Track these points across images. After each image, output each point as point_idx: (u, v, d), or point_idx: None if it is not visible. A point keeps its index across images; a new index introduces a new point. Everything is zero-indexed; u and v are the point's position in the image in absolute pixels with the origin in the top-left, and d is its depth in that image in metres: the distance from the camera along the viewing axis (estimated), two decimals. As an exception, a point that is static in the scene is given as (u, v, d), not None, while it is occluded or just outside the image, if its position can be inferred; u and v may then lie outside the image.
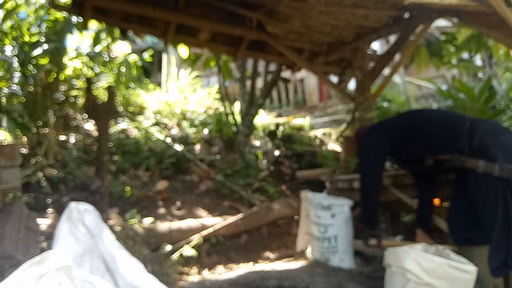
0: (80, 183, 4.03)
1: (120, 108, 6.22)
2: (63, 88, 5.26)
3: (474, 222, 2.28)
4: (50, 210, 3.48)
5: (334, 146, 6.33)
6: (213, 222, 3.77)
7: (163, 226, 3.57)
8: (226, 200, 4.50)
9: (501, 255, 2.11)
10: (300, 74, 8.62)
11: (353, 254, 3.18)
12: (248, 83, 5.81)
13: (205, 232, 3.61)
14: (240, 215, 3.93)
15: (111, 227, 2.71)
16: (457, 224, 2.44)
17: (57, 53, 4.60)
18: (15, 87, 4.51)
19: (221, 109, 6.39)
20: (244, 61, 5.89)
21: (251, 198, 4.57)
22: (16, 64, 4.35)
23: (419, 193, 2.92)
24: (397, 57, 4.58)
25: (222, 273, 3.32)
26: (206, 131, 6.08)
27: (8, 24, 4.53)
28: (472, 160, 2.24)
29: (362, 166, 2.83)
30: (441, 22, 5.40)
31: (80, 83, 5.34)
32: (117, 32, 4.72)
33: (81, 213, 2.03)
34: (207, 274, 3.32)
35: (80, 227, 1.99)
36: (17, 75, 4.47)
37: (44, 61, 4.64)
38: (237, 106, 6.12)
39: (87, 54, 5.27)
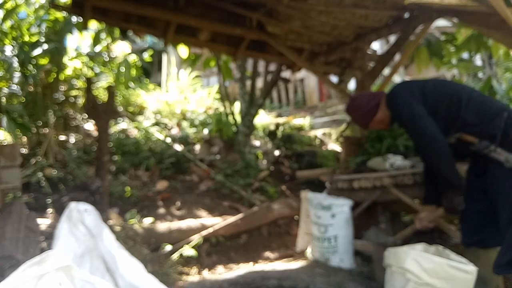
0: (80, 183, 4.03)
1: (120, 108, 6.22)
2: (63, 88, 5.26)
3: (489, 223, 2.21)
4: (50, 210, 3.48)
5: (334, 146, 6.33)
6: (213, 222, 3.77)
7: (163, 226, 3.57)
8: (226, 200, 4.50)
9: (510, 254, 2.02)
10: (300, 74, 8.61)
11: (353, 254, 3.18)
12: (248, 83, 5.81)
13: (205, 232, 3.61)
14: (240, 215, 3.93)
15: (111, 227, 2.71)
16: (471, 225, 2.33)
17: (57, 53, 4.60)
18: (15, 87, 4.51)
19: (221, 109, 6.39)
20: (244, 61, 5.89)
21: (251, 198, 4.56)
22: (16, 64, 4.35)
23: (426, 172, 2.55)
24: (397, 57, 4.57)
25: (222, 273, 3.32)
26: (206, 131, 6.08)
27: (8, 24, 4.53)
28: (502, 151, 2.09)
29: (415, 124, 2.29)
30: (441, 22, 5.39)
31: (80, 83, 5.34)
32: (117, 32, 4.72)
33: (81, 213, 2.02)
34: (207, 274, 3.32)
35: (80, 227, 1.99)
36: (17, 75, 4.47)
37: (44, 61, 4.64)
38: (237, 106, 6.12)
39: (87, 54, 5.27)
